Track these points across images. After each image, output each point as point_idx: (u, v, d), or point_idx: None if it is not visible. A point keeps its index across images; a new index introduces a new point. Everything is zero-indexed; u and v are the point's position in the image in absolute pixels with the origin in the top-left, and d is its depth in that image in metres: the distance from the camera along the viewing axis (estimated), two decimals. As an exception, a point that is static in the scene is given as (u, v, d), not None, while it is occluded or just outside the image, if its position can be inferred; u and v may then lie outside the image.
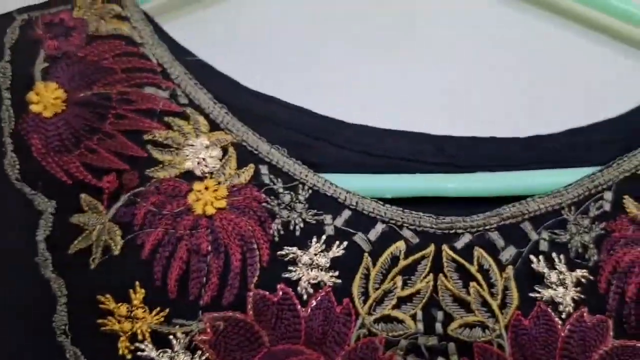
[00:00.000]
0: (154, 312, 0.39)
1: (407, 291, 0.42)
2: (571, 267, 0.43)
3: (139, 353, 0.39)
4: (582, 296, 0.43)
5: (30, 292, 0.40)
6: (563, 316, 0.42)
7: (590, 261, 0.43)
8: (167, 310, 0.39)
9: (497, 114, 0.52)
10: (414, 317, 0.42)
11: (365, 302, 0.42)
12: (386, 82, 0.53)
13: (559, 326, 0.42)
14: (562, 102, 0.53)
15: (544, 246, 0.43)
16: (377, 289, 0.42)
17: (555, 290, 0.43)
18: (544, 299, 0.42)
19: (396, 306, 0.42)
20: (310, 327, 0.41)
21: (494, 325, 0.42)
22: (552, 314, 0.42)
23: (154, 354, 0.39)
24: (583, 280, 0.43)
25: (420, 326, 0.42)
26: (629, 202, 0.45)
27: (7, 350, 0.39)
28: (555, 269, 0.43)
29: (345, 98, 0.51)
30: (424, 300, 0.42)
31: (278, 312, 0.41)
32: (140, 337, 0.39)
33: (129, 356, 0.39)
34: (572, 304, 0.43)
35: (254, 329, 0.41)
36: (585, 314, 0.43)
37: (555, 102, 0.53)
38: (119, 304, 0.39)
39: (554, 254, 0.43)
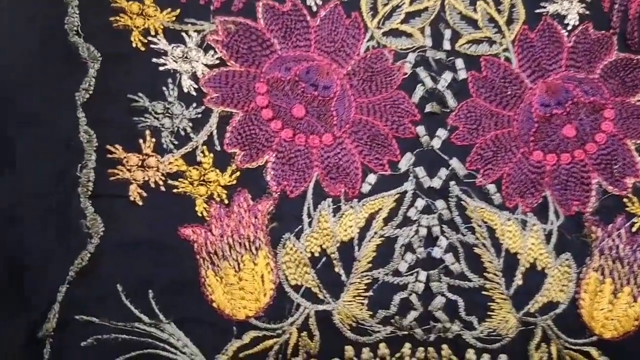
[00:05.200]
0: (165, 12, 0.40)
1: (416, 7, 0.42)
2: (576, -11, 0.44)
3: (153, 46, 0.39)
4: (587, 12, 0.44)
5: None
6: (569, 28, 0.43)
7: (593, -21, 0.44)
8: (179, 10, 0.40)
9: None
10: (422, 31, 0.43)
11: (374, 16, 0.42)
12: None
13: (565, 38, 0.43)
14: None
15: (548, -33, 0.44)
16: (385, 4, 0.42)
17: (561, 4, 0.43)
18: (549, 13, 0.43)
19: (405, 21, 0.42)
20: (320, 36, 0.41)
21: (500, 40, 0.43)
22: (558, 26, 0.43)
23: (167, 47, 0.40)
24: (587, -3, 0.44)
25: (429, 41, 0.42)
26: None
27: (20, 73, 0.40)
28: (561, -14, 0.44)
29: None
30: (432, 17, 0.43)
31: (288, 21, 0.41)
32: (152, 32, 0.39)
33: (143, 48, 0.39)
34: (577, 18, 0.43)
35: (265, 36, 0.41)
36: (590, 28, 0.43)
37: None
38: (130, 2, 0.39)
39: (560, -22, 0.44)
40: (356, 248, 0.40)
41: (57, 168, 0.38)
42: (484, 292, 0.40)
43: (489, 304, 0.40)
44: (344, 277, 0.39)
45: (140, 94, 0.39)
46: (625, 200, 0.42)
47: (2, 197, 0.39)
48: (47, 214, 0.38)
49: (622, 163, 0.42)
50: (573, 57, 0.43)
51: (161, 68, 0.39)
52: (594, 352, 0.40)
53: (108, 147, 0.38)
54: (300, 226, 0.39)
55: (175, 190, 0.39)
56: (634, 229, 0.42)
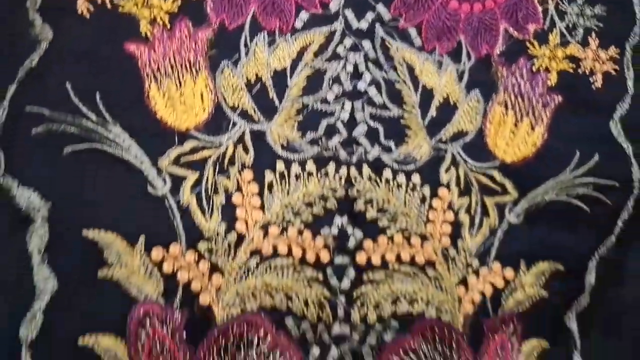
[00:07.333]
0: None
1: None
2: None
3: None
4: None
5: None
6: None
7: None
8: None
9: None
10: None
11: None
12: None
13: None
14: None
15: None
16: None
17: None
18: None
19: None
20: None
21: None
22: None
23: None
24: None
25: None
26: None
27: None
28: None
29: None
30: None
31: None
32: None
33: None
34: None
35: None
36: None
37: None
38: None
39: None
40: (289, 76, 0.44)
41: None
42: (402, 121, 0.46)
43: (406, 131, 0.46)
44: (277, 102, 0.44)
45: None
46: (527, 44, 0.48)
47: None
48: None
49: (526, 11, 0.48)
50: None
51: None
52: (496, 174, 0.46)
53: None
54: (237, 55, 0.44)
55: (120, 10, 0.42)
56: (533, 69, 0.48)
